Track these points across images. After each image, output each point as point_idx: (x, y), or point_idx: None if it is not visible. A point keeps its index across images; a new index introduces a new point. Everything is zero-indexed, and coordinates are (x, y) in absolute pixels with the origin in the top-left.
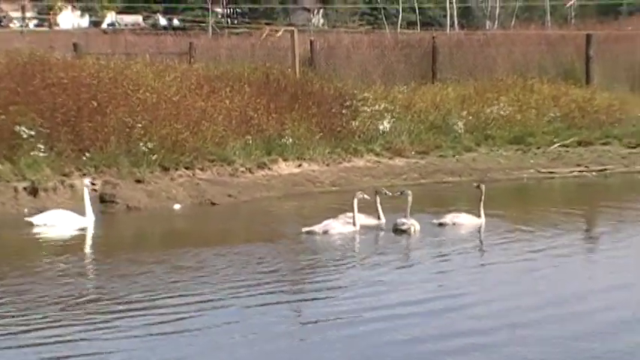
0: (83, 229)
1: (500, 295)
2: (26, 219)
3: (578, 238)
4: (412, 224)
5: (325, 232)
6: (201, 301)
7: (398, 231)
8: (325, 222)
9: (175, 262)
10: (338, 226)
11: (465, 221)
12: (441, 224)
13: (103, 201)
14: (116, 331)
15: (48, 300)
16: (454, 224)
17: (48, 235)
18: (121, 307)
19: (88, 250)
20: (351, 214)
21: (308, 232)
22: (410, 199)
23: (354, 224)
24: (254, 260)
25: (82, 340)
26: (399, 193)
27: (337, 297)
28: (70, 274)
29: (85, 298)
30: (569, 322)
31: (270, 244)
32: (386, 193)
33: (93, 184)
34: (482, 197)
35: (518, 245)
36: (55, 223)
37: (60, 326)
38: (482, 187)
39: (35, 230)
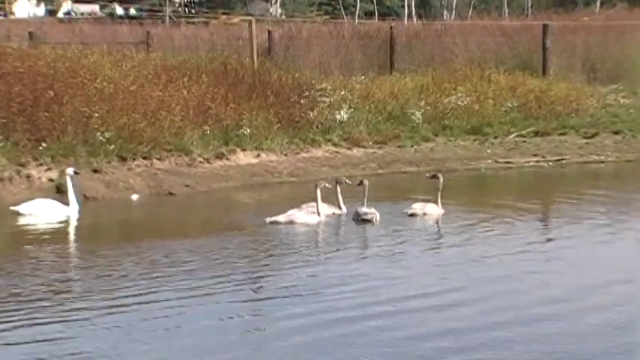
0: (66, 219)
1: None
2: (11, 208)
3: (535, 228)
4: (374, 213)
5: (290, 222)
6: (167, 299)
7: (361, 220)
8: (289, 212)
9: (145, 256)
10: (302, 216)
11: (433, 211)
12: (412, 215)
13: (59, 191)
14: (84, 327)
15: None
16: (424, 214)
17: (29, 224)
18: (87, 303)
19: (62, 241)
20: (313, 204)
21: (272, 222)
22: (366, 188)
23: (317, 214)
24: (221, 253)
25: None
26: (358, 182)
27: (305, 294)
28: (43, 266)
29: (56, 292)
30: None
31: (234, 235)
32: (346, 182)
33: (77, 172)
34: (440, 187)
35: (478, 235)
36: (40, 212)
37: (35, 323)
38: (441, 177)
39: (18, 219)
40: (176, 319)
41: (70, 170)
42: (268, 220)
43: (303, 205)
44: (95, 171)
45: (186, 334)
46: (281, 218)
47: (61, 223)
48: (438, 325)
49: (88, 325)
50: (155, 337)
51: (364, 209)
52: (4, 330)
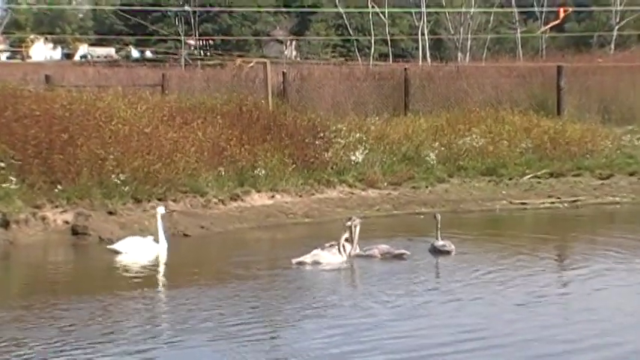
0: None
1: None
2: (108, 247)
3: (550, 270)
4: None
5: (315, 263)
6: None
7: (438, 252)
8: (314, 252)
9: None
10: (327, 256)
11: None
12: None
13: (75, 233)
14: None
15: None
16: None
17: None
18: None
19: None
20: (334, 243)
21: (298, 263)
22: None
23: (352, 248)
24: (245, 299)
25: None
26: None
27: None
28: None
29: None
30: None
31: (260, 279)
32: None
33: (168, 211)
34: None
35: (489, 277)
36: (134, 250)
37: None
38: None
39: (114, 258)
40: None
41: (160, 209)
42: (294, 261)
43: (326, 245)
44: (110, 213)
45: None
46: (307, 259)
47: (160, 259)
48: None
49: None
50: None
51: (440, 242)
52: None
